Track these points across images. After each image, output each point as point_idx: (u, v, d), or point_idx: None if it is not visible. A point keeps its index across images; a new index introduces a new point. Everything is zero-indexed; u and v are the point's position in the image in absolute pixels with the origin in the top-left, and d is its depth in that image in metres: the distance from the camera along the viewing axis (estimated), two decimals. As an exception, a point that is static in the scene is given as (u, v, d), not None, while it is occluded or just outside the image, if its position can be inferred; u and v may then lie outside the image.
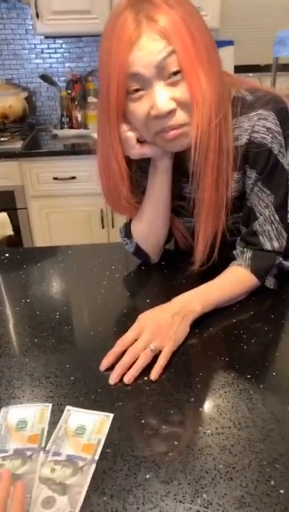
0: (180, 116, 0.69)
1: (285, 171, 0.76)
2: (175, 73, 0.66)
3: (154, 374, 0.62)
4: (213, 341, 0.70)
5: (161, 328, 0.67)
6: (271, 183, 0.77)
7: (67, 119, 2.51)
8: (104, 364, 0.64)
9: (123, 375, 0.62)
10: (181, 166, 0.85)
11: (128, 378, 0.61)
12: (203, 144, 0.71)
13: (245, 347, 0.69)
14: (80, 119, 2.50)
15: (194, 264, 0.84)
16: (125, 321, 0.76)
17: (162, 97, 0.67)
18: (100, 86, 0.72)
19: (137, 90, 0.68)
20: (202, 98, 0.68)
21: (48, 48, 2.57)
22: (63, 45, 2.57)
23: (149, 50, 0.65)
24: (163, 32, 0.65)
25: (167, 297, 0.74)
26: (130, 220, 0.93)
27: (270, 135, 0.74)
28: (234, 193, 0.81)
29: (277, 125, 0.74)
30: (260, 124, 0.74)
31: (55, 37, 2.52)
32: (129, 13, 0.66)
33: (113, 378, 0.62)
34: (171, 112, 0.68)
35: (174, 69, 0.66)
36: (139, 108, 0.70)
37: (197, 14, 0.69)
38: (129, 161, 0.79)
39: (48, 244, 2.33)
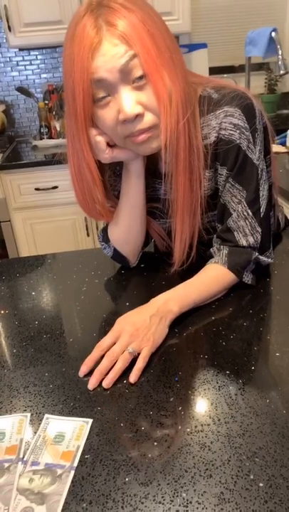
0: (148, 119, 0.70)
1: (254, 165, 0.77)
2: (140, 77, 0.67)
3: (133, 377, 0.62)
4: (193, 340, 0.70)
5: (138, 330, 0.66)
6: (242, 178, 0.78)
7: (46, 130, 2.51)
8: (83, 370, 0.64)
9: (102, 380, 0.62)
10: (153, 167, 0.86)
11: (107, 383, 0.61)
12: (173, 144, 0.72)
13: (224, 344, 0.68)
14: (58, 128, 2.51)
15: (173, 265, 0.84)
16: (105, 326, 0.76)
17: (128, 101, 0.67)
18: (65, 94, 0.72)
19: (103, 97, 0.69)
20: (168, 99, 0.68)
21: (23, 60, 2.58)
22: (38, 57, 2.58)
23: (110, 55, 0.65)
24: (123, 36, 0.65)
25: (147, 299, 0.74)
26: (107, 225, 0.93)
27: (238, 131, 0.75)
28: (207, 191, 0.82)
29: (244, 121, 0.75)
30: (227, 121, 0.75)
31: (29, 49, 2.53)
32: (88, 19, 0.66)
33: (92, 384, 0.61)
34: (138, 116, 0.69)
35: (138, 73, 0.66)
36: (107, 114, 0.70)
37: (156, 16, 0.70)
38: (101, 165, 0.79)
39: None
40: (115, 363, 0.63)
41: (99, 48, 0.65)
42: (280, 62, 2.07)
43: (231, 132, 0.75)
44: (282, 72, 2.08)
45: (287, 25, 2.65)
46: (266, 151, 0.80)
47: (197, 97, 0.77)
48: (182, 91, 0.70)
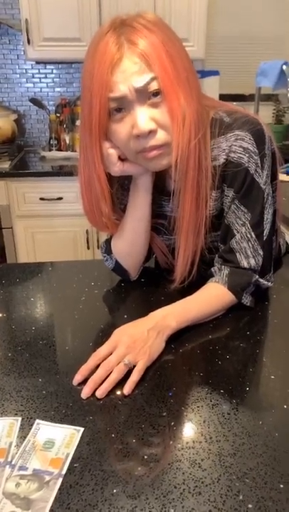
0: (160, 137, 0.71)
1: (261, 189, 0.78)
2: (155, 94, 0.69)
3: (127, 389, 0.61)
4: (189, 357, 0.70)
5: (136, 342, 0.66)
6: (248, 201, 0.79)
7: (56, 142, 2.55)
8: (77, 378, 0.63)
9: (96, 389, 0.61)
10: (161, 184, 0.87)
11: (100, 393, 0.61)
12: (183, 163, 0.73)
13: (220, 363, 0.68)
14: (68, 141, 2.54)
15: (174, 281, 0.84)
16: (102, 336, 0.76)
17: (143, 117, 0.69)
18: (82, 107, 0.73)
19: (119, 111, 0.70)
20: (182, 119, 0.70)
21: (39, 73, 2.63)
22: (54, 71, 2.63)
23: (130, 72, 0.67)
24: (143, 55, 0.67)
25: (145, 313, 0.74)
26: (111, 237, 0.94)
27: (247, 155, 0.76)
28: (212, 211, 0.83)
29: (254, 145, 0.76)
30: (237, 145, 0.77)
31: (46, 62, 2.58)
32: (110, 36, 0.68)
33: (85, 393, 0.61)
34: (151, 132, 0.70)
35: (154, 91, 0.68)
36: (121, 128, 0.72)
37: (176, 39, 0.72)
38: (110, 178, 0.80)
39: (33, 264, 2.32)
40: (110, 374, 0.63)
41: (119, 64, 0.67)
42: (288, 95, 2.12)
43: (240, 155, 0.77)
44: (290, 104, 2.13)
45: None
46: (273, 176, 0.81)
47: (209, 119, 0.79)
48: (196, 112, 0.72)
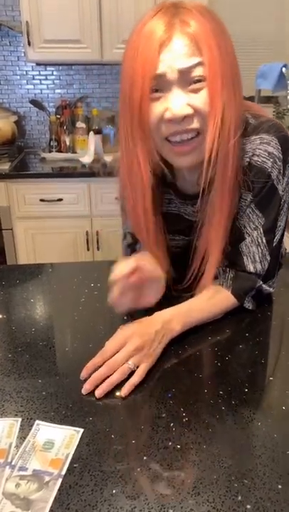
0: (194, 123, 0.68)
1: (279, 196, 0.77)
2: (197, 81, 0.66)
3: (125, 391, 0.62)
4: (188, 358, 0.71)
5: (144, 343, 0.66)
6: (264, 206, 0.77)
7: (56, 143, 2.55)
8: (83, 374, 0.64)
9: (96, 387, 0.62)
10: (182, 189, 0.84)
11: (99, 392, 0.61)
12: (223, 162, 0.70)
13: (219, 364, 0.69)
14: (68, 143, 2.55)
15: (190, 287, 0.81)
16: (101, 337, 0.75)
17: (179, 101, 0.66)
18: (122, 88, 0.69)
19: (156, 91, 0.67)
20: (221, 112, 0.67)
21: (39, 75, 2.64)
22: (54, 72, 2.64)
23: (178, 53, 0.64)
24: (194, 37, 0.64)
25: (145, 315, 0.74)
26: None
27: (271, 160, 0.75)
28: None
29: (279, 151, 0.74)
30: (262, 148, 0.75)
31: (46, 64, 2.59)
32: (163, 15, 0.66)
33: (86, 389, 0.62)
34: (186, 117, 0.67)
35: (198, 76, 0.65)
36: (154, 108, 0.68)
37: (227, 33, 0.69)
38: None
39: (33, 265, 2.32)
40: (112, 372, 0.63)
41: (168, 44, 0.64)
42: (288, 97, 2.13)
43: (264, 160, 0.75)
44: (290, 106, 2.14)
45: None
46: None
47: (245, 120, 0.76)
48: (237, 110, 0.69)
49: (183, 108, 0.66)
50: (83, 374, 0.64)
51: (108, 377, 0.63)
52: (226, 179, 0.71)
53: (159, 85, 0.67)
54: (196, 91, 0.67)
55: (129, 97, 0.68)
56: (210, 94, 0.66)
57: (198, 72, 0.65)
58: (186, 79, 0.66)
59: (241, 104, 0.71)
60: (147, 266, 0.71)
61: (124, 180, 0.76)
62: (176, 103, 0.66)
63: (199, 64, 0.65)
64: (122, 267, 0.69)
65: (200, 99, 0.67)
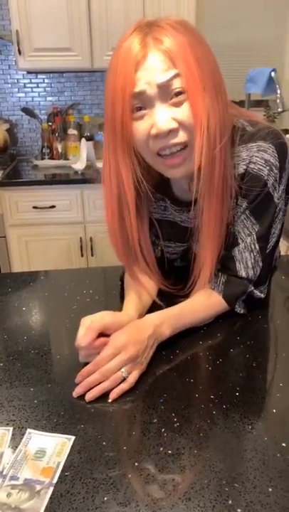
0: (181, 136, 0.69)
1: (274, 203, 0.77)
2: (178, 94, 0.66)
3: (114, 395, 0.62)
4: (179, 363, 0.71)
5: (138, 352, 0.66)
6: (259, 213, 0.78)
7: (48, 150, 2.56)
8: (79, 379, 0.65)
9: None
10: (177, 194, 0.85)
11: (89, 397, 0.62)
12: (208, 170, 0.70)
13: (210, 368, 0.69)
14: (60, 150, 2.56)
15: (187, 292, 0.82)
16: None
17: (163, 116, 0.67)
18: (105, 107, 0.71)
19: (139, 109, 0.68)
20: (206, 121, 0.67)
21: (31, 83, 2.65)
22: (45, 80, 2.65)
23: (153, 69, 0.66)
24: (168, 53, 0.65)
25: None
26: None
27: (268, 167, 0.75)
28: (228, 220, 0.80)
29: (276, 158, 0.74)
30: (259, 156, 0.75)
31: (37, 72, 2.60)
32: (136, 35, 0.67)
33: (77, 392, 0.63)
34: (172, 131, 0.68)
35: (178, 89, 0.66)
36: (141, 126, 0.69)
37: (204, 42, 0.70)
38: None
39: (27, 272, 2.32)
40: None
41: (143, 62, 0.66)
42: (278, 101, 2.15)
43: (261, 167, 0.75)
44: (279, 109, 2.16)
45: (286, 65, 2.76)
46: (287, 191, 0.80)
47: (231, 126, 0.76)
48: (222, 117, 0.69)
49: (168, 122, 0.67)
50: (78, 379, 0.65)
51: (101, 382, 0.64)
52: (213, 186, 0.72)
53: (142, 102, 0.68)
54: (178, 104, 0.67)
55: (111, 116, 0.69)
56: (192, 106, 0.67)
57: (177, 84, 0.66)
58: (166, 93, 0.67)
59: (226, 109, 0.71)
60: (113, 322, 0.70)
61: (106, 199, 0.76)
62: (161, 118, 0.67)
63: (177, 76, 0.66)
64: (87, 334, 0.67)
65: (183, 113, 0.67)
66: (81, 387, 0.63)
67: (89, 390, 0.63)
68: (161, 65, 0.65)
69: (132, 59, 0.66)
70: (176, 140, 0.68)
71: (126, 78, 0.66)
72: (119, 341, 0.67)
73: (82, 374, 0.65)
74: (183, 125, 0.68)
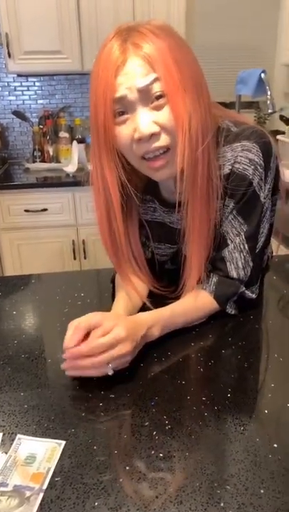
0: (164, 140, 0.69)
1: (260, 203, 0.77)
2: (159, 97, 0.67)
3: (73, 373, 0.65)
4: (171, 365, 0.70)
5: (134, 349, 0.66)
6: (246, 213, 0.78)
7: (39, 153, 2.55)
8: (66, 355, 0.64)
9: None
10: (165, 195, 0.86)
11: (70, 373, 0.65)
12: (191, 171, 0.71)
13: (202, 370, 0.69)
14: (51, 153, 2.55)
15: (180, 291, 0.82)
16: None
17: (145, 120, 0.67)
18: (90, 114, 0.72)
19: (122, 113, 0.69)
20: (188, 123, 0.68)
21: (21, 86, 2.64)
22: (36, 83, 2.64)
23: (132, 74, 0.66)
24: (147, 58, 0.66)
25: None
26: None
27: (252, 167, 0.75)
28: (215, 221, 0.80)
29: (260, 158, 0.75)
30: (244, 155, 0.75)
31: (28, 75, 2.59)
32: (116, 40, 0.68)
33: (64, 368, 0.65)
34: (153, 135, 0.68)
35: (158, 93, 0.67)
36: (123, 131, 0.70)
37: (184, 45, 0.71)
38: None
39: (19, 276, 2.31)
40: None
41: (122, 67, 0.67)
42: (268, 102, 2.15)
43: (245, 167, 0.75)
44: (270, 111, 2.16)
45: (276, 66, 2.77)
46: (274, 190, 0.80)
47: (216, 127, 0.77)
48: (203, 118, 0.70)
49: (149, 126, 0.68)
50: (67, 355, 0.64)
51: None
52: (196, 187, 0.72)
53: (124, 107, 0.68)
54: (158, 108, 0.68)
55: (94, 121, 0.70)
56: (173, 109, 0.67)
57: (157, 88, 0.67)
58: (147, 97, 0.67)
59: (208, 111, 0.72)
60: (101, 322, 0.68)
61: (95, 201, 0.77)
62: (142, 122, 0.67)
63: (156, 80, 0.66)
64: (74, 333, 0.66)
65: (164, 116, 0.68)
66: (70, 369, 0.65)
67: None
68: (140, 69, 0.66)
69: (112, 64, 0.67)
70: (158, 144, 0.69)
71: (107, 83, 0.67)
72: (119, 334, 0.65)
73: (73, 353, 0.64)
74: (164, 128, 0.69)
